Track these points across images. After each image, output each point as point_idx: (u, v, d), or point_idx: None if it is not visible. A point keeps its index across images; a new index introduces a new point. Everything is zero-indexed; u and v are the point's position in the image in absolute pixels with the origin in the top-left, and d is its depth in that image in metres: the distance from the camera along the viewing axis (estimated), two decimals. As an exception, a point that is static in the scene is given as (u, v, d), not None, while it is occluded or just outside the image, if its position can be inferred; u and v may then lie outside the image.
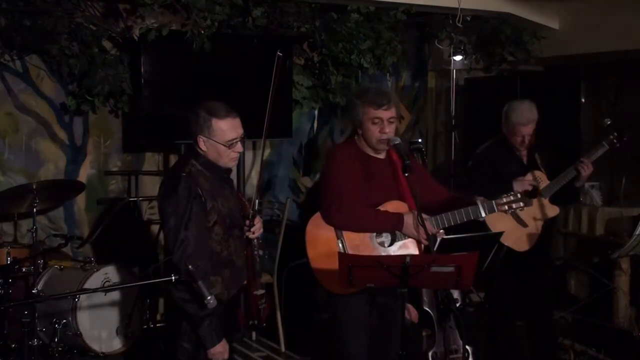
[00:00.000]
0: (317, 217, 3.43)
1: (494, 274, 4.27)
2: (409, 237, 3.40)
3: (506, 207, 3.54)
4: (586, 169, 4.27)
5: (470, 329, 4.40)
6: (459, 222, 3.51)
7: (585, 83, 6.81)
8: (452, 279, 3.10)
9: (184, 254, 2.97)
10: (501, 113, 4.45)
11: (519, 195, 3.55)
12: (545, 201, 4.34)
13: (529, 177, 4.29)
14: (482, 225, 4.15)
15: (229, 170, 3.24)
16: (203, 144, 3.11)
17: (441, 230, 3.48)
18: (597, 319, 5.44)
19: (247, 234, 3.20)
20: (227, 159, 3.14)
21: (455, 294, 4.26)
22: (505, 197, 3.55)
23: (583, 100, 6.77)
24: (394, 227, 3.39)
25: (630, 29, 5.68)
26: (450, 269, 3.06)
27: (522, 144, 4.35)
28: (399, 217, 3.38)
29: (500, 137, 4.46)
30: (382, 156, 3.51)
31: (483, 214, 3.54)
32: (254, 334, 5.54)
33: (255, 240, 3.20)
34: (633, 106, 6.17)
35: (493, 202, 3.55)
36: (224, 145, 3.09)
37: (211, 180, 3.12)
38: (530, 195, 3.82)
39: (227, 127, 3.10)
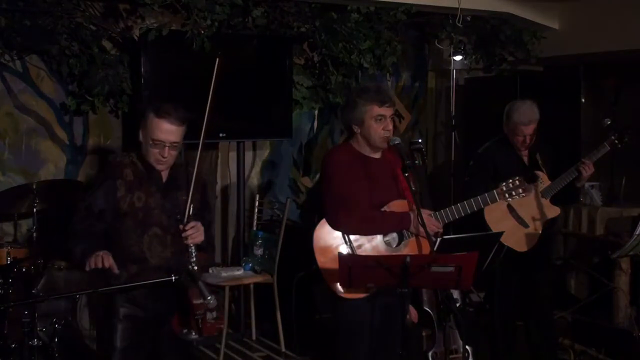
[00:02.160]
0: (323, 224, 3.38)
1: (495, 274, 4.28)
2: (420, 235, 3.40)
3: (506, 194, 3.57)
4: (587, 170, 4.28)
5: (470, 329, 4.40)
6: (462, 215, 3.52)
7: (585, 83, 6.80)
8: (452, 279, 3.10)
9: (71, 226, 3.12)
10: (501, 113, 4.45)
11: (517, 182, 3.57)
12: (546, 202, 4.35)
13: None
14: (482, 225, 4.16)
15: (160, 172, 3.21)
16: (141, 134, 3.18)
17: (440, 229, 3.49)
18: (597, 319, 5.44)
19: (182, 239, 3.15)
20: (152, 158, 3.16)
21: (455, 294, 4.25)
22: (504, 185, 3.58)
23: (583, 100, 6.77)
24: (402, 226, 3.39)
25: (630, 29, 5.68)
26: (450, 269, 3.06)
27: (524, 143, 4.35)
28: (406, 215, 3.38)
29: (501, 137, 4.46)
30: (378, 156, 3.50)
31: (485, 204, 3.57)
32: (254, 334, 5.55)
33: (192, 247, 3.11)
34: (633, 106, 6.17)
35: (494, 191, 3.58)
36: (150, 142, 3.12)
37: (140, 174, 3.18)
38: (528, 180, 3.82)
39: (158, 127, 3.10)
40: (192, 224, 3.12)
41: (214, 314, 3.18)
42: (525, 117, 4.30)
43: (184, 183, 3.25)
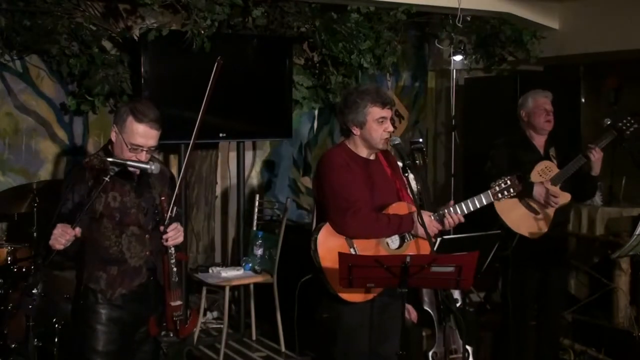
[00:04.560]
0: (325, 229, 3.35)
1: (507, 273, 4.32)
2: (421, 236, 3.39)
3: (499, 194, 3.55)
4: (595, 154, 4.27)
5: (470, 329, 4.40)
6: (466, 212, 3.49)
7: (585, 83, 6.81)
8: (452, 279, 3.10)
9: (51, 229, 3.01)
10: (501, 113, 4.47)
11: (508, 182, 3.56)
12: (556, 188, 4.35)
13: (540, 165, 4.37)
14: (493, 215, 4.20)
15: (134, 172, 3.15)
16: (114, 134, 3.11)
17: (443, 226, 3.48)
18: (597, 319, 5.44)
19: (162, 240, 3.11)
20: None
21: (456, 294, 4.26)
22: (496, 185, 3.56)
23: (583, 100, 6.77)
24: (406, 229, 3.38)
25: (630, 29, 5.68)
26: (451, 269, 3.06)
27: (548, 120, 4.43)
28: (408, 217, 3.37)
29: (518, 131, 4.53)
30: (373, 157, 3.50)
31: (480, 204, 3.53)
32: (254, 334, 5.55)
33: (172, 249, 3.09)
34: (633, 106, 6.16)
35: (488, 191, 3.55)
36: (127, 147, 3.06)
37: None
38: (519, 180, 3.83)
39: (139, 132, 3.04)
40: (173, 226, 3.10)
41: (179, 313, 3.16)
42: (540, 94, 4.47)
43: (156, 180, 3.22)
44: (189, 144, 3.24)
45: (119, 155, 3.09)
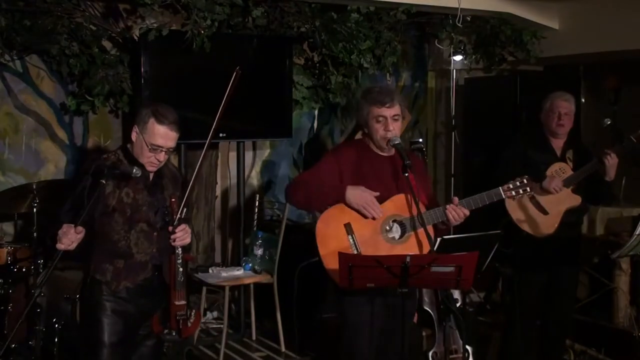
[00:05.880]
0: (325, 215, 3.41)
1: (512, 268, 4.32)
2: (355, 208, 3.38)
3: (513, 192, 3.49)
4: (610, 159, 4.26)
5: (470, 329, 4.40)
6: (473, 208, 3.47)
7: (585, 83, 6.81)
8: (452, 279, 3.10)
9: (59, 212, 3.11)
10: (501, 113, 4.46)
11: (525, 181, 3.51)
12: (567, 190, 4.34)
13: (554, 166, 4.35)
14: (502, 211, 4.22)
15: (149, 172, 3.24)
16: (135, 135, 3.20)
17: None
18: (597, 319, 5.44)
19: (170, 240, 3.16)
20: (146, 160, 3.19)
21: (456, 294, 4.27)
22: (511, 183, 3.51)
23: (583, 100, 6.78)
24: (337, 198, 3.39)
25: (630, 29, 5.68)
26: (451, 269, 3.07)
27: (559, 124, 4.38)
28: (342, 188, 3.40)
29: (538, 131, 4.52)
30: (387, 154, 3.53)
31: (490, 201, 3.50)
32: (254, 334, 5.55)
33: (179, 249, 3.14)
34: (633, 106, 6.17)
35: (499, 188, 3.50)
36: (147, 147, 3.15)
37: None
38: (535, 180, 3.82)
39: (159, 133, 3.16)
40: (181, 227, 3.15)
41: (183, 313, 3.19)
42: (560, 96, 4.44)
43: (169, 182, 3.32)
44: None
45: (138, 155, 3.20)
